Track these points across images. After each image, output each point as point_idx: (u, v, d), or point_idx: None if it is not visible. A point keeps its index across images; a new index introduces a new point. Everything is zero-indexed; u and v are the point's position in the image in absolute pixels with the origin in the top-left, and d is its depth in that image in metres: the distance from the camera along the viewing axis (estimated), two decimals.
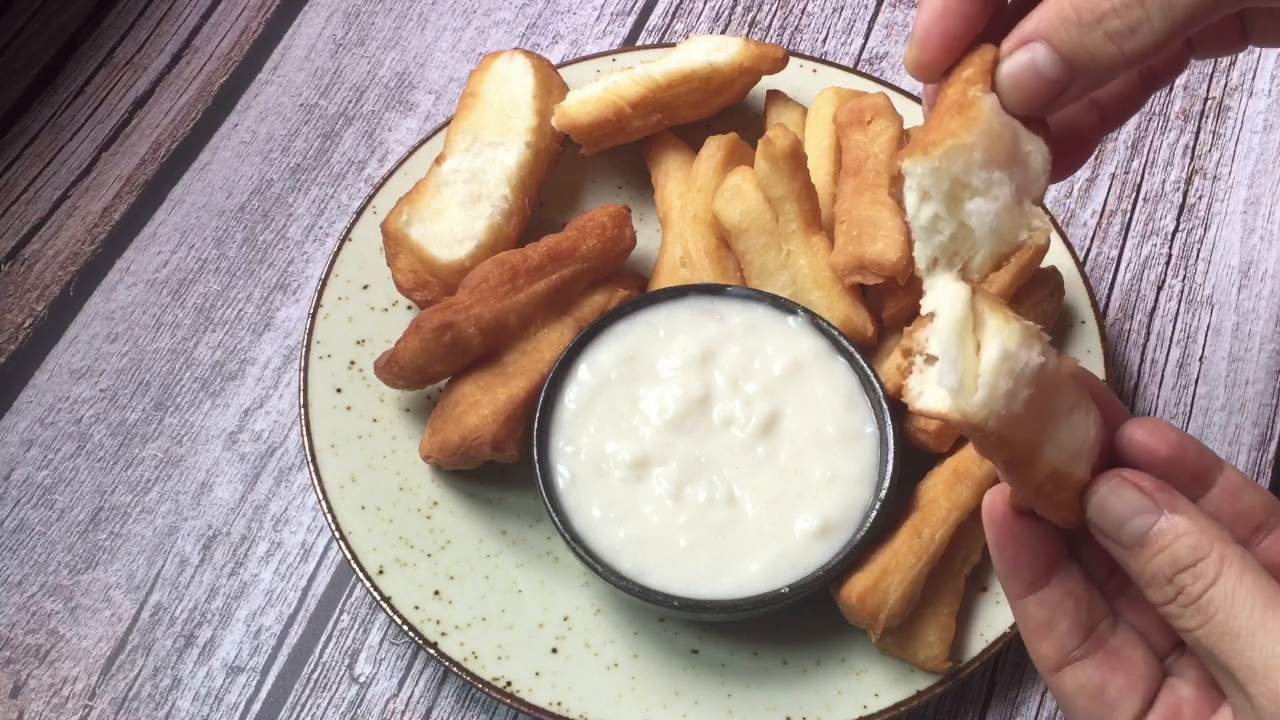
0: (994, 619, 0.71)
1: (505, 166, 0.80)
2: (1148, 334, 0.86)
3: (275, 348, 0.86)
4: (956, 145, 0.49)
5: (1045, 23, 0.50)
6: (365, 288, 0.81)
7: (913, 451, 0.73)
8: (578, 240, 0.76)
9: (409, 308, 0.81)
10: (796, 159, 0.75)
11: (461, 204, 0.79)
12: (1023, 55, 0.51)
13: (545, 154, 0.82)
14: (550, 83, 0.84)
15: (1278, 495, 0.79)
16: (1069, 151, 0.59)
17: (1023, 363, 0.47)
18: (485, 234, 0.78)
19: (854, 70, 0.91)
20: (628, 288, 0.78)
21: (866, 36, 0.99)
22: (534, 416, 0.71)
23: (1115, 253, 0.89)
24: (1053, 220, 0.81)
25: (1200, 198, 0.92)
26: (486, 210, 0.79)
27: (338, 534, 0.73)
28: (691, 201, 0.80)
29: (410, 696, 0.74)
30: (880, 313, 0.76)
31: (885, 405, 0.70)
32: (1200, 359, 0.85)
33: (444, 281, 0.77)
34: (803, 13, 1.01)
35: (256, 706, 0.74)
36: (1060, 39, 0.50)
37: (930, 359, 0.48)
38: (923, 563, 0.68)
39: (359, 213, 0.83)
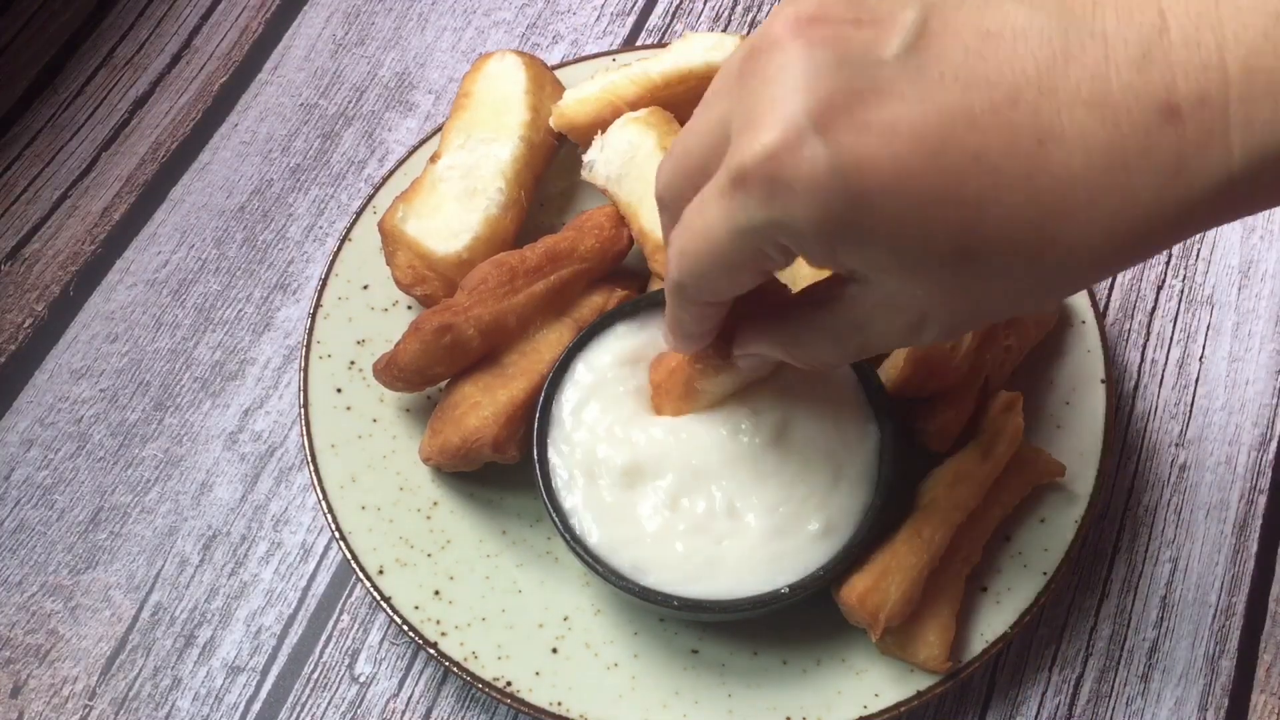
0: (994, 619, 0.71)
1: (499, 160, 0.80)
2: (1148, 334, 0.86)
3: (275, 348, 0.86)
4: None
5: (760, 346, 0.60)
6: (365, 288, 0.81)
7: (913, 451, 0.73)
8: (576, 241, 0.76)
9: (409, 308, 0.81)
10: None
11: (457, 199, 0.79)
12: (755, 361, 0.63)
13: (540, 148, 0.82)
14: (542, 79, 0.84)
15: (1278, 497, 0.80)
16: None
17: None
18: (481, 226, 0.78)
19: None
20: (626, 288, 0.78)
21: None
22: (534, 417, 0.71)
23: None
24: None
25: None
26: (482, 203, 0.79)
27: (338, 534, 0.73)
28: None
29: (410, 696, 0.74)
30: None
31: (885, 405, 0.70)
32: (1200, 359, 0.85)
33: (442, 275, 0.77)
34: None
35: (256, 706, 0.74)
36: (790, 350, 0.59)
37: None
38: (923, 563, 0.68)
39: (359, 213, 0.83)
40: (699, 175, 0.51)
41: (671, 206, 0.55)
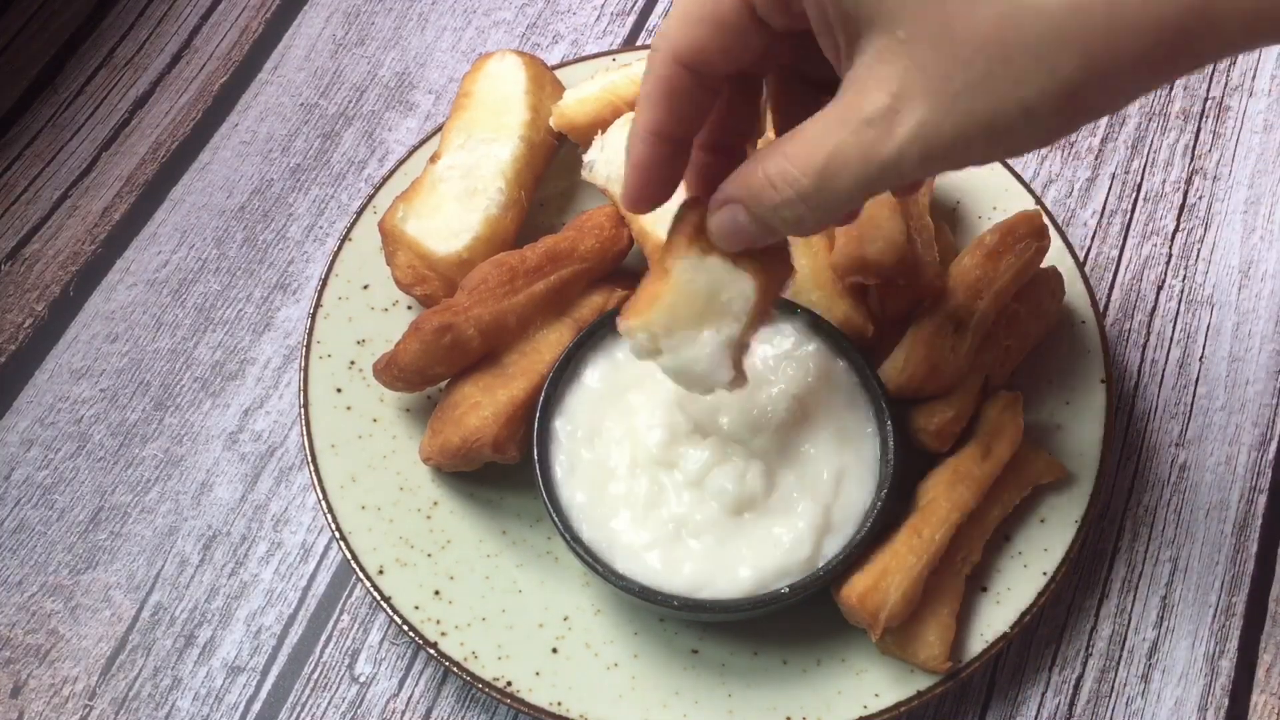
0: (994, 619, 0.71)
1: (499, 160, 0.80)
2: (1148, 334, 0.86)
3: (275, 348, 0.86)
4: (659, 306, 0.60)
5: (739, 190, 0.57)
6: (365, 287, 0.81)
7: (913, 451, 0.73)
8: (575, 241, 0.76)
9: (409, 308, 0.81)
10: None
11: (457, 198, 0.79)
12: (725, 213, 0.58)
13: (540, 148, 0.82)
14: (542, 79, 0.84)
15: (1278, 497, 0.80)
16: None
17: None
18: (481, 226, 0.78)
19: None
20: (626, 288, 0.78)
21: None
22: (534, 417, 0.71)
23: (1115, 253, 0.89)
24: (1053, 220, 0.81)
25: (1200, 198, 0.92)
26: (482, 203, 0.79)
27: (338, 534, 0.73)
28: None
29: (410, 696, 0.74)
30: (880, 313, 0.76)
31: (885, 405, 0.70)
32: (1200, 359, 0.85)
33: (443, 275, 0.77)
34: None
35: (257, 706, 0.74)
36: (751, 208, 0.56)
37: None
38: (923, 563, 0.68)
39: (359, 212, 0.83)
40: None
41: None
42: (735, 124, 0.62)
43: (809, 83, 0.60)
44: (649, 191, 0.61)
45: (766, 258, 0.61)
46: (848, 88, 0.52)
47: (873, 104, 0.50)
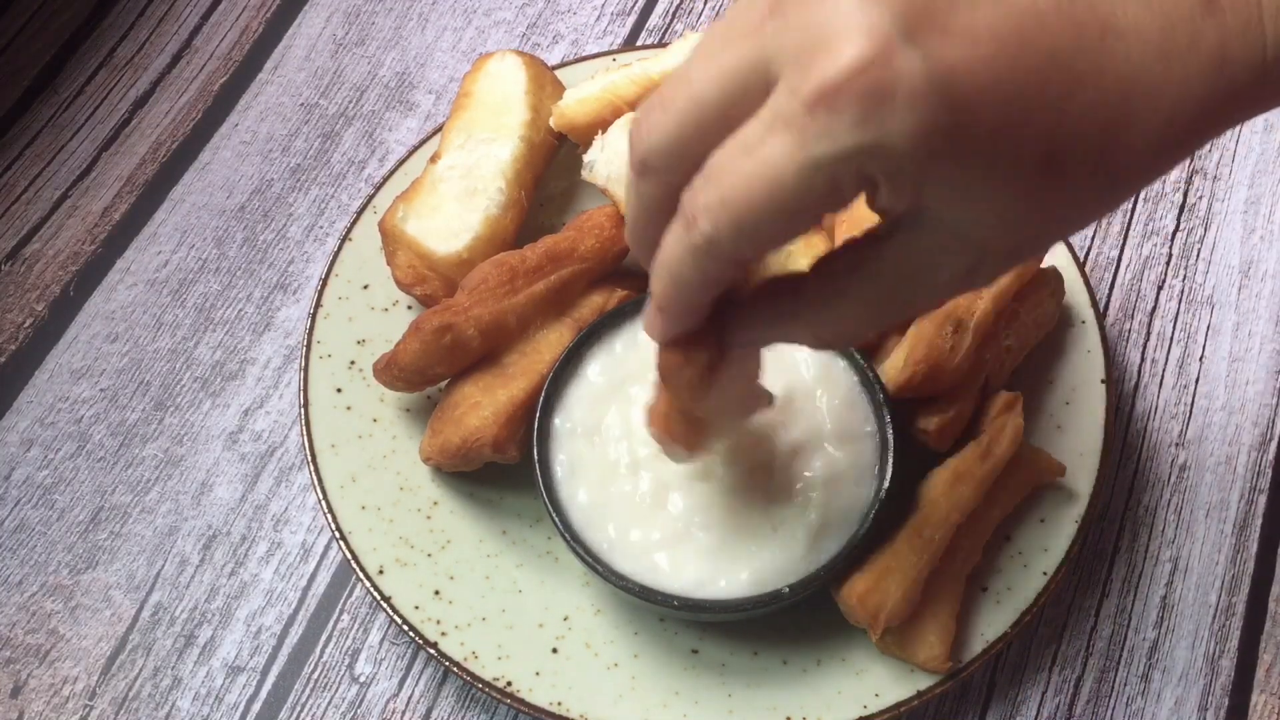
0: (994, 619, 0.71)
1: (500, 160, 0.80)
2: (1148, 334, 0.86)
3: (275, 347, 0.86)
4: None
5: (762, 326, 0.55)
6: (366, 288, 0.81)
7: (913, 451, 0.73)
8: (576, 241, 0.76)
9: (409, 308, 0.81)
10: None
11: (457, 198, 0.79)
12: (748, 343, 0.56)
13: (540, 147, 0.82)
14: (543, 79, 0.84)
15: (1278, 497, 0.80)
16: None
17: None
18: (482, 226, 0.78)
19: None
20: (627, 288, 0.78)
21: None
22: (534, 417, 0.71)
23: (1115, 253, 0.89)
24: None
25: (1200, 198, 0.92)
26: (483, 203, 0.79)
27: (338, 534, 0.73)
28: None
29: (410, 696, 0.74)
30: None
31: (885, 405, 0.70)
32: (1200, 359, 0.85)
33: (443, 275, 0.77)
34: None
35: (257, 706, 0.74)
36: (788, 332, 0.54)
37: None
38: (923, 563, 0.68)
39: (359, 212, 0.83)
40: (718, 125, 0.47)
41: (671, 166, 0.49)
42: None
43: None
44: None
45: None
46: None
47: (961, 262, 0.49)
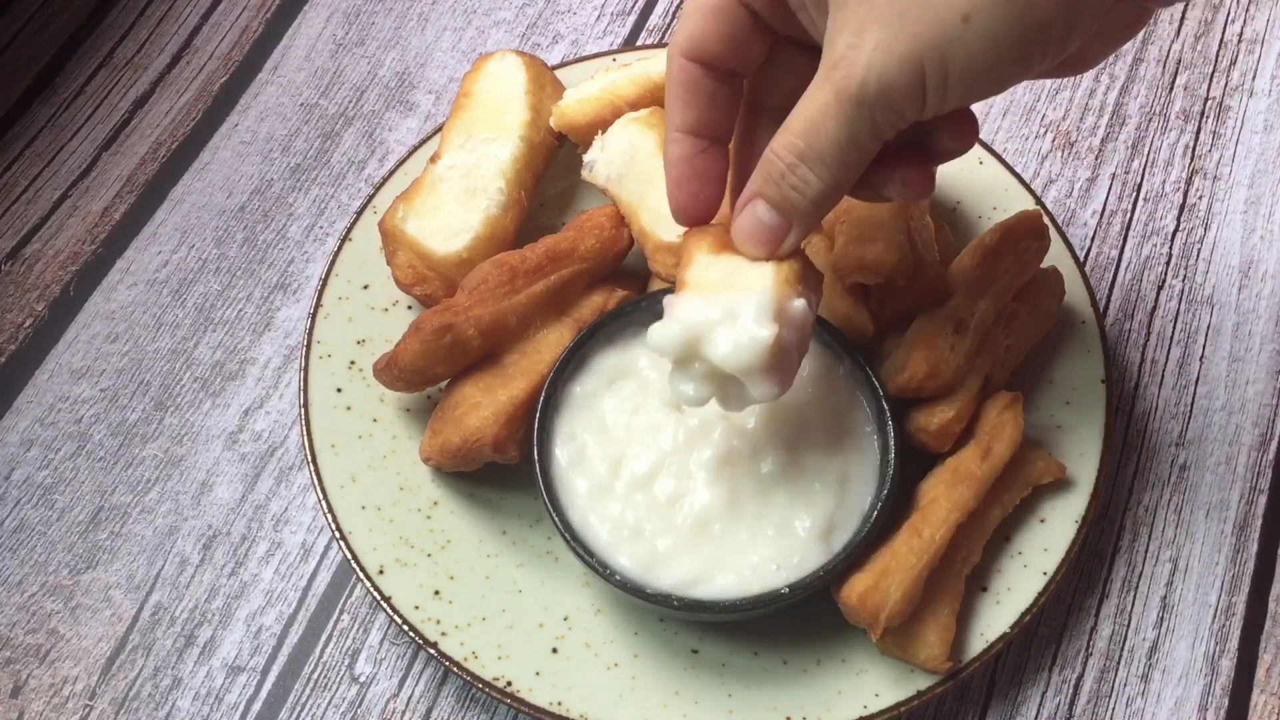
0: (994, 619, 0.71)
1: (500, 160, 0.80)
2: (1148, 334, 0.86)
3: (275, 347, 0.86)
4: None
5: (755, 181, 0.61)
6: (365, 288, 0.81)
7: (913, 451, 0.73)
8: (576, 241, 0.76)
9: (409, 308, 0.81)
10: None
11: (457, 198, 0.79)
12: (746, 213, 0.62)
13: (540, 148, 0.82)
14: (543, 79, 0.84)
15: (1278, 497, 0.80)
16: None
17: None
18: (482, 226, 0.78)
19: None
20: (626, 288, 0.78)
21: None
22: (534, 417, 0.71)
23: (1115, 253, 0.89)
24: (1053, 220, 0.81)
25: (1200, 198, 0.92)
26: (483, 203, 0.79)
27: (338, 534, 0.73)
28: None
29: (410, 696, 0.74)
30: (880, 313, 0.76)
31: (885, 405, 0.70)
32: (1200, 359, 0.85)
33: (443, 275, 0.77)
34: None
35: (257, 706, 0.74)
36: (767, 192, 0.60)
37: None
38: (923, 563, 0.68)
39: (359, 212, 0.83)
40: None
41: None
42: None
43: None
44: (689, 194, 0.64)
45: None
46: (824, 47, 0.56)
47: (838, 49, 0.54)
